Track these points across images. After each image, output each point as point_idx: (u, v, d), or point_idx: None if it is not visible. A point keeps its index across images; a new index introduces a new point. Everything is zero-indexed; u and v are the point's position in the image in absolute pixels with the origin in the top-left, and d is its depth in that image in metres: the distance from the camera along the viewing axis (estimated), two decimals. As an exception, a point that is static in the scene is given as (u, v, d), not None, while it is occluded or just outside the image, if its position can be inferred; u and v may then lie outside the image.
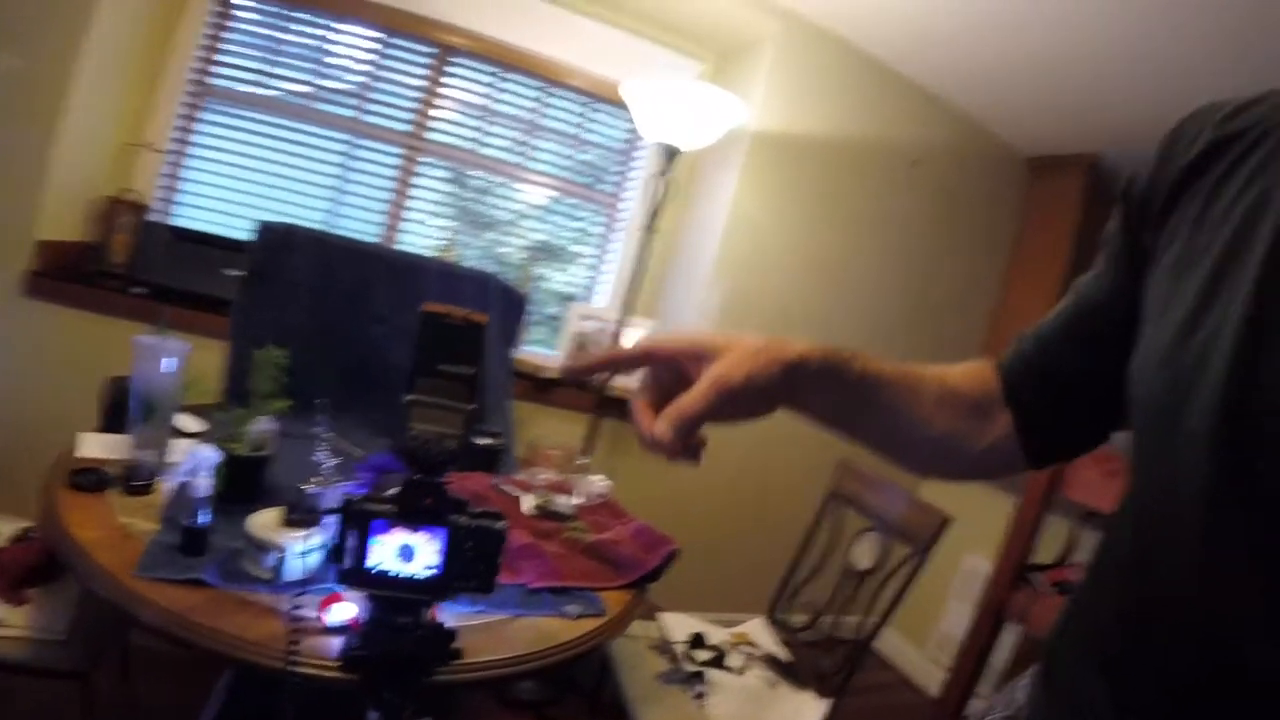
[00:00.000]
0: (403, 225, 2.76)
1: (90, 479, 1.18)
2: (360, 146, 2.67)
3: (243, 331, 1.77)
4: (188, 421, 1.48)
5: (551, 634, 1.13)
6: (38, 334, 2.05)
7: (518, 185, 2.92)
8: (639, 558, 1.42)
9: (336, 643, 0.91)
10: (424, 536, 0.80)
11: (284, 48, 2.52)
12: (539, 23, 2.66)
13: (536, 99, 2.87)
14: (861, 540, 1.99)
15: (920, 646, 3.09)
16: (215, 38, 2.41)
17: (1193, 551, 0.49)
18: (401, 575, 0.80)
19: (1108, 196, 3.13)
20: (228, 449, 1.23)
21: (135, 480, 1.22)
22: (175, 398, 1.31)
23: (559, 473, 1.80)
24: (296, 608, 0.91)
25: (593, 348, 2.82)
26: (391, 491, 0.82)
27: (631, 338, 2.76)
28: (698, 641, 1.84)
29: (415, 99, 2.70)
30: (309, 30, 2.54)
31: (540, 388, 2.59)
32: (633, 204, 3.02)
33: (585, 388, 2.57)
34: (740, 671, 1.78)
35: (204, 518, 1.06)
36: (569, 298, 3.04)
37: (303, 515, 1.10)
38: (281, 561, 1.04)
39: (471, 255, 2.88)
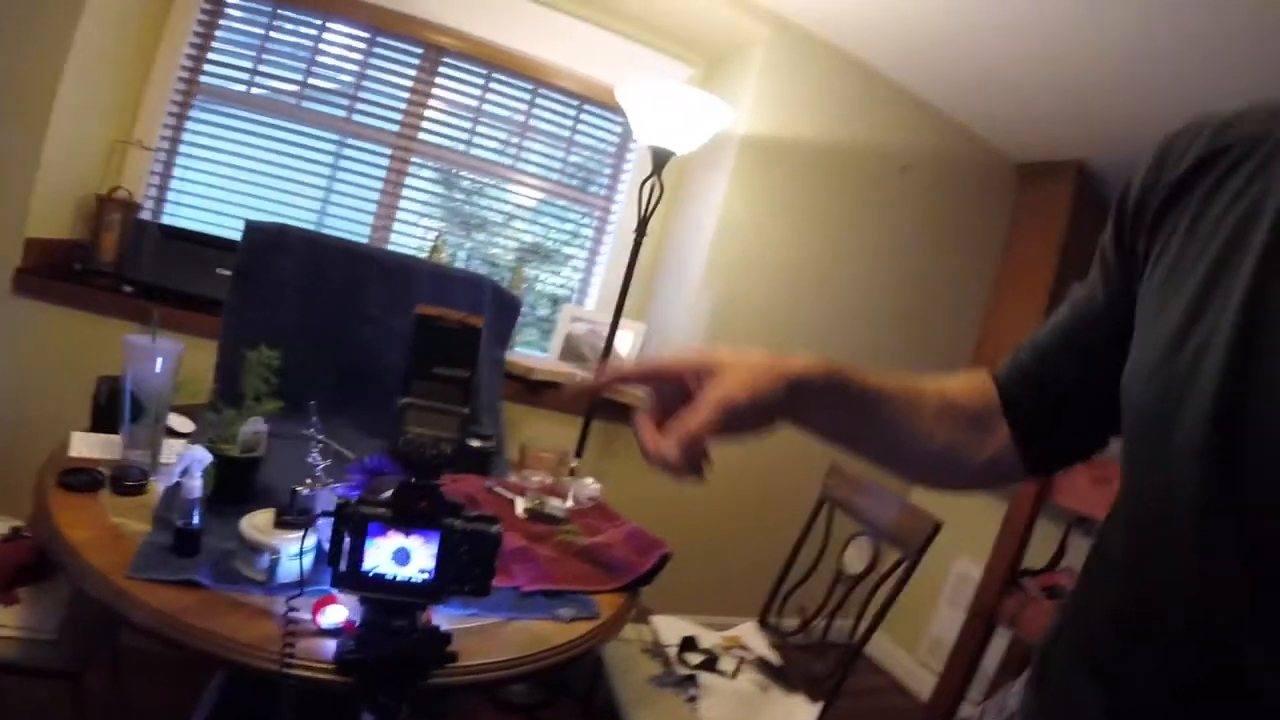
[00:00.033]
0: (393, 226, 2.75)
1: (82, 479, 1.17)
2: (350, 146, 2.66)
3: (233, 332, 1.77)
4: (179, 422, 1.47)
5: (545, 637, 1.13)
6: (27, 332, 2.04)
7: (508, 186, 2.91)
8: (631, 561, 1.43)
9: (330, 645, 0.90)
10: (419, 540, 0.80)
11: (274, 47, 2.51)
12: (530, 24, 2.66)
13: (527, 100, 2.87)
14: (853, 544, 2.00)
15: (911, 651, 3.10)
16: (206, 36, 2.40)
17: (1187, 557, 0.49)
18: (397, 579, 0.80)
19: (1095, 203, 3.15)
20: (219, 450, 1.23)
21: (127, 480, 1.21)
22: (167, 398, 1.30)
23: (551, 475, 1.80)
24: (291, 610, 0.91)
25: (585, 349, 2.82)
26: (387, 494, 0.82)
27: (623, 340, 2.77)
28: (690, 645, 1.84)
29: (406, 99, 2.70)
30: (299, 29, 2.54)
31: (531, 389, 2.58)
32: (623, 206, 3.02)
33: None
34: (732, 675, 1.78)
35: (196, 519, 1.06)
36: (559, 299, 3.04)
37: (295, 517, 1.10)
38: (274, 563, 1.04)
39: (461, 256, 2.87)
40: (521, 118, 2.87)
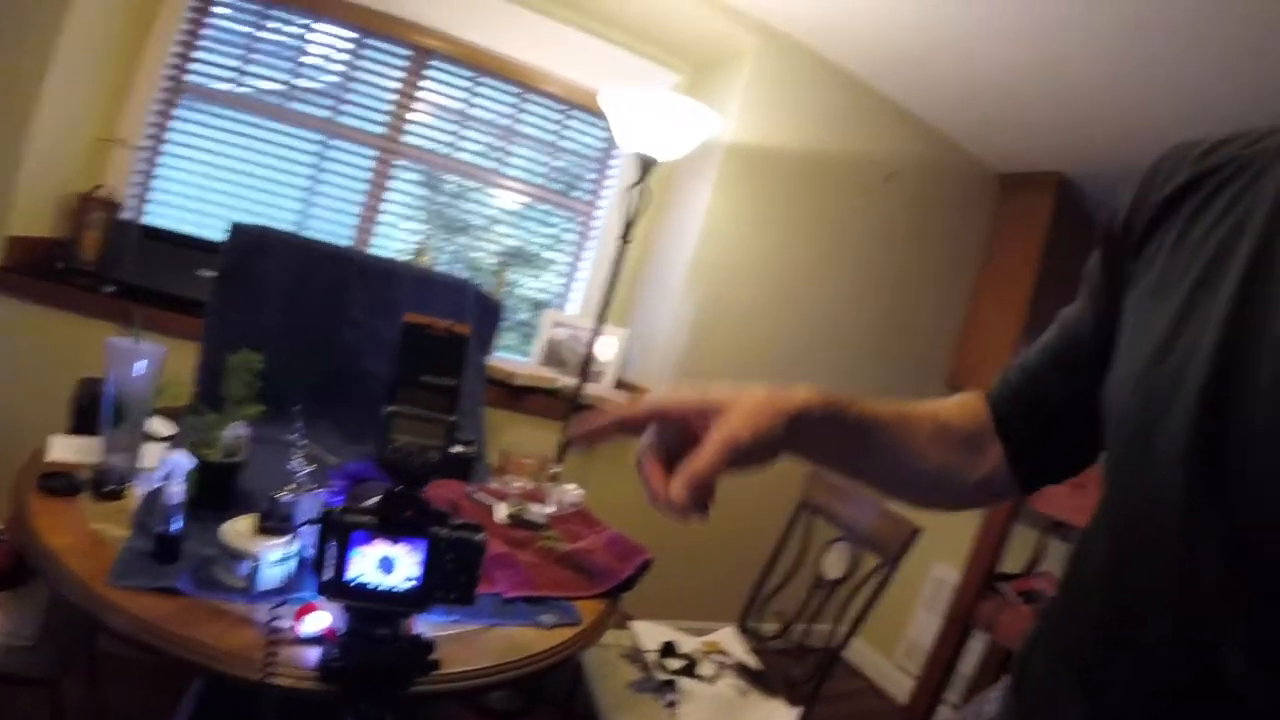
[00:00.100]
0: (376, 228, 2.74)
1: (61, 483, 1.16)
2: (334, 148, 2.65)
3: (215, 334, 1.76)
4: (160, 425, 1.46)
5: (526, 644, 1.13)
6: (6, 332, 2.02)
7: (492, 190, 2.91)
8: (612, 567, 1.43)
9: (313, 653, 0.90)
10: (405, 548, 0.81)
11: (260, 46, 2.50)
12: (517, 28, 2.66)
13: (513, 104, 2.87)
14: (831, 550, 2.01)
15: (889, 655, 3.12)
16: (192, 34, 2.39)
17: (1170, 563, 0.50)
18: (382, 587, 0.80)
19: (1075, 214, 3.20)
20: (200, 454, 1.22)
21: (106, 485, 1.20)
22: (148, 401, 1.29)
23: (532, 481, 1.80)
24: (274, 618, 0.91)
25: (566, 355, 2.82)
26: (371, 502, 0.82)
27: (605, 346, 2.77)
28: (669, 650, 1.85)
29: (391, 101, 2.69)
30: (286, 29, 2.52)
31: (513, 395, 2.58)
32: (607, 211, 3.03)
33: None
34: (711, 680, 1.79)
35: (177, 525, 1.05)
36: (542, 304, 3.04)
37: (277, 523, 1.10)
38: (255, 570, 1.03)
39: (444, 259, 2.87)
40: (507, 122, 2.87)
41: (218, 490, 1.23)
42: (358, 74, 2.63)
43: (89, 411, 1.37)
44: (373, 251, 2.68)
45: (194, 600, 0.98)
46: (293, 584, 1.07)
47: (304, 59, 2.57)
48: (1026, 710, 0.64)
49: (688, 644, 1.92)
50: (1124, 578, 0.55)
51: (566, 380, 2.65)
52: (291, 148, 2.58)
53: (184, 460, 1.14)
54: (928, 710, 2.10)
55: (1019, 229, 3.29)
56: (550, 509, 1.66)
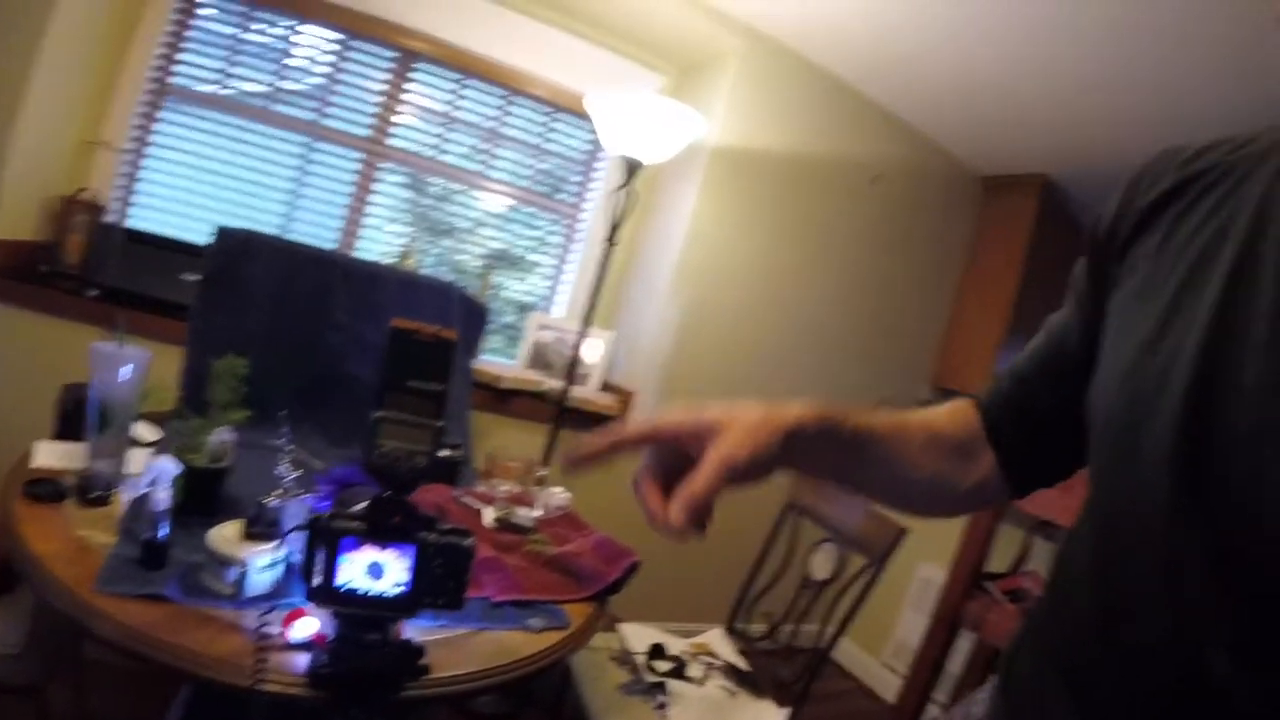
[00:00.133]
0: (360, 231, 2.74)
1: (46, 489, 1.15)
2: (319, 150, 2.64)
3: (200, 338, 1.75)
4: (145, 431, 1.45)
5: (514, 648, 1.13)
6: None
7: (477, 193, 2.91)
8: (600, 570, 1.43)
9: (302, 659, 0.90)
10: (393, 554, 0.81)
11: (245, 48, 2.49)
12: (502, 30, 2.66)
13: (498, 107, 2.87)
14: (818, 551, 2.02)
15: (877, 655, 3.14)
16: (177, 36, 2.37)
17: (1156, 563, 0.51)
18: (371, 593, 0.80)
19: (1059, 216, 3.22)
20: (186, 460, 1.21)
21: (92, 491, 1.19)
22: (133, 406, 1.29)
23: (519, 484, 1.80)
24: (262, 624, 0.90)
25: (552, 357, 2.82)
26: (359, 508, 0.82)
27: (591, 348, 2.78)
28: (658, 652, 1.85)
29: (376, 104, 2.68)
30: (271, 31, 2.51)
31: (499, 398, 2.58)
32: (592, 214, 3.03)
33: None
34: (700, 682, 1.79)
35: (163, 531, 1.05)
36: (527, 307, 3.04)
37: (264, 529, 1.09)
38: (243, 576, 1.03)
39: (429, 262, 2.86)
40: (492, 124, 2.87)
41: (204, 496, 1.22)
42: (343, 76, 2.62)
43: (74, 417, 1.36)
44: (357, 254, 2.68)
45: (181, 607, 0.97)
46: (281, 590, 1.07)
47: (289, 61, 2.56)
48: (1013, 710, 0.64)
49: (676, 646, 1.92)
50: (1110, 578, 0.55)
51: (552, 383, 2.65)
52: (276, 150, 2.56)
53: (170, 466, 1.14)
54: (916, 709, 2.11)
55: (1003, 231, 3.31)
56: (537, 512, 1.66)
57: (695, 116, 2.34)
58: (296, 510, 1.16)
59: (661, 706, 1.67)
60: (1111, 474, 0.57)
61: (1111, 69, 2.25)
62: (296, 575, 1.07)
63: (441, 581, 0.83)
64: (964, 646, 2.45)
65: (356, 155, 2.69)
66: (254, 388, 1.32)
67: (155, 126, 2.40)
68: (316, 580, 0.79)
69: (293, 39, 2.55)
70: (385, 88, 2.68)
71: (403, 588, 0.81)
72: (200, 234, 2.30)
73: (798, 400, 0.63)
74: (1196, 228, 0.56)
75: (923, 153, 3.17)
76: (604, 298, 2.60)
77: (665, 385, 2.79)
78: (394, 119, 2.71)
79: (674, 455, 0.62)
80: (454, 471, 1.76)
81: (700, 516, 0.57)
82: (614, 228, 2.41)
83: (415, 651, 0.87)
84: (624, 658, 1.84)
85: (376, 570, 0.80)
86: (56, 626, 1.31)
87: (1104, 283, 0.64)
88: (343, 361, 1.89)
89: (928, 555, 2.89)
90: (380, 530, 0.80)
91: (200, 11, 2.40)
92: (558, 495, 1.77)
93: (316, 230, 2.67)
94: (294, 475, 1.28)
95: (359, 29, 2.58)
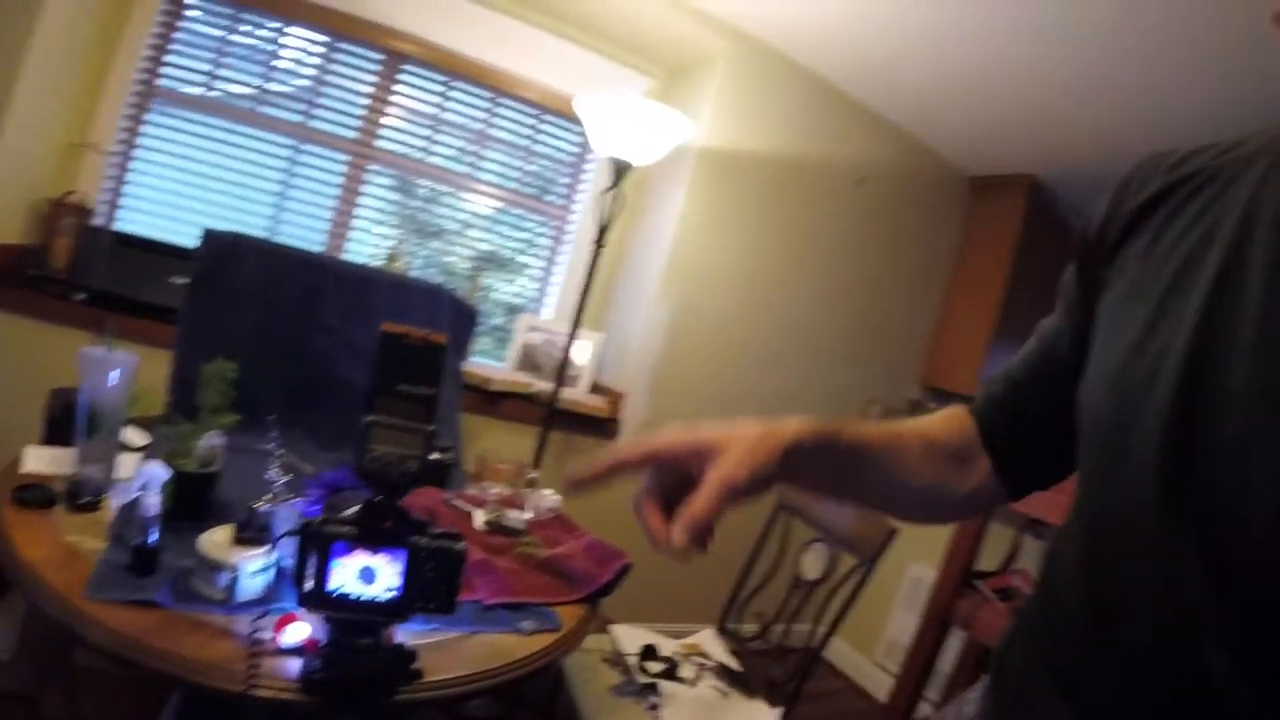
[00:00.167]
0: (349, 233, 2.73)
1: (36, 495, 1.15)
2: (307, 153, 2.63)
3: (189, 342, 1.74)
4: (134, 436, 1.45)
5: (507, 650, 1.13)
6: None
7: (465, 195, 2.90)
8: (592, 572, 1.43)
9: (294, 664, 0.90)
10: (385, 558, 0.81)
11: (232, 50, 2.48)
12: (490, 33, 2.66)
13: (486, 109, 2.86)
14: (809, 551, 2.03)
15: (868, 654, 3.14)
16: (164, 38, 2.36)
17: (1146, 563, 0.51)
18: (363, 598, 0.80)
19: (1046, 216, 3.24)
20: (176, 465, 1.21)
21: (82, 496, 1.19)
22: (122, 411, 1.28)
23: (509, 487, 1.80)
24: (254, 630, 0.90)
25: (541, 359, 2.82)
26: (351, 512, 0.82)
27: (580, 350, 2.78)
28: (650, 653, 1.86)
29: (364, 106, 2.68)
30: (258, 33, 2.50)
31: (488, 400, 2.58)
32: (581, 216, 3.03)
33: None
34: (693, 682, 1.80)
35: (154, 536, 1.05)
36: (516, 308, 3.04)
37: (255, 533, 1.09)
38: (234, 581, 1.03)
39: (417, 264, 2.85)
40: (480, 126, 2.87)
41: (194, 501, 1.22)
42: (330, 78, 2.62)
43: (62, 422, 1.35)
44: (346, 257, 2.67)
45: (172, 612, 0.97)
46: (272, 595, 1.07)
47: (276, 63, 2.55)
48: (1004, 709, 0.65)
49: (668, 647, 1.92)
50: (1101, 578, 0.56)
51: (542, 385, 2.65)
52: (264, 152, 2.56)
53: (159, 471, 1.13)
54: (908, 708, 2.13)
55: (990, 232, 3.32)
56: (528, 515, 1.66)
57: (682, 119, 2.34)
58: (287, 515, 1.16)
59: (654, 708, 1.67)
60: (1100, 475, 0.58)
61: (1099, 69, 2.26)
62: (288, 580, 1.07)
63: (433, 586, 0.83)
64: (955, 645, 2.46)
65: (344, 157, 2.68)
66: (243, 391, 1.31)
67: (142, 129, 2.39)
68: (308, 585, 0.79)
69: (280, 41, 2.54)
70: (373, 90, 2.68)
71: (394, 592, 0.81)
72: (188, 237, 2.30)
73: (794, 416, 0.63)
74: (1184, 231, 0.56)
75: (910, 153, 3.18)
76: (593, 299, 2.60)
77: (654, 386, 2.79)
78: (382, 121, 2.71)
79: (673, 475, 0.62)
80: (445, 474, 1.75)
81: (702, 536, 0.57)
82: (602, 229, 2.41)
83: (407, 656, 0.87)
84: (616, 659, 1.84)
85: (368, 575, 0.80)
86: (47, 633, 1.30)
87: (1093, 285, 0.65)
88: (332, 365, 1.88)
89: (918, 554, 2.90)
90: (372, 535, 0.80)
91: (187, 13, 2.39)
92: (548, 497, 1.77)
93: (304, 232, 2.66)
94: (284, 479, 1.28)
95: (346, 31, 2.58)
